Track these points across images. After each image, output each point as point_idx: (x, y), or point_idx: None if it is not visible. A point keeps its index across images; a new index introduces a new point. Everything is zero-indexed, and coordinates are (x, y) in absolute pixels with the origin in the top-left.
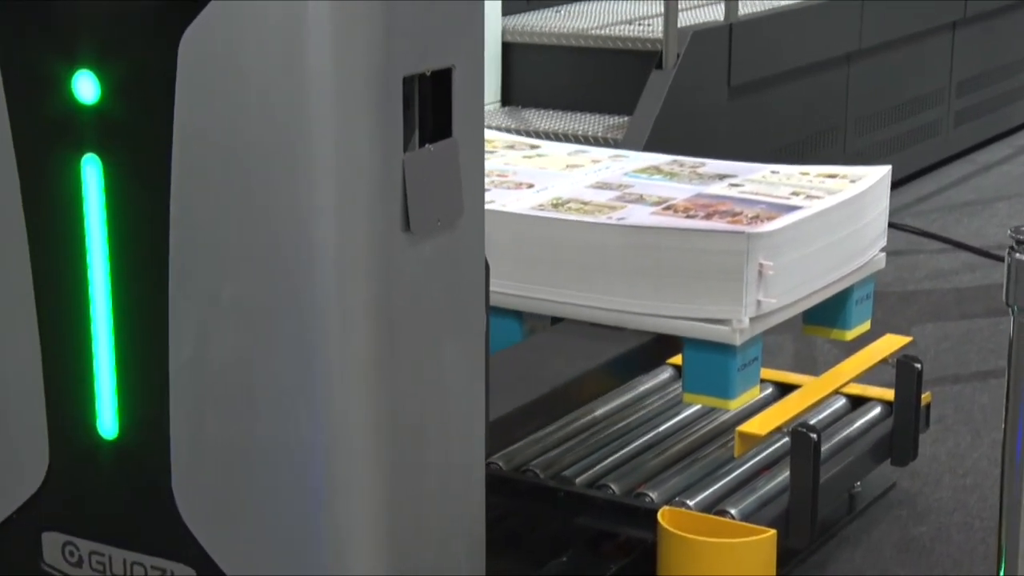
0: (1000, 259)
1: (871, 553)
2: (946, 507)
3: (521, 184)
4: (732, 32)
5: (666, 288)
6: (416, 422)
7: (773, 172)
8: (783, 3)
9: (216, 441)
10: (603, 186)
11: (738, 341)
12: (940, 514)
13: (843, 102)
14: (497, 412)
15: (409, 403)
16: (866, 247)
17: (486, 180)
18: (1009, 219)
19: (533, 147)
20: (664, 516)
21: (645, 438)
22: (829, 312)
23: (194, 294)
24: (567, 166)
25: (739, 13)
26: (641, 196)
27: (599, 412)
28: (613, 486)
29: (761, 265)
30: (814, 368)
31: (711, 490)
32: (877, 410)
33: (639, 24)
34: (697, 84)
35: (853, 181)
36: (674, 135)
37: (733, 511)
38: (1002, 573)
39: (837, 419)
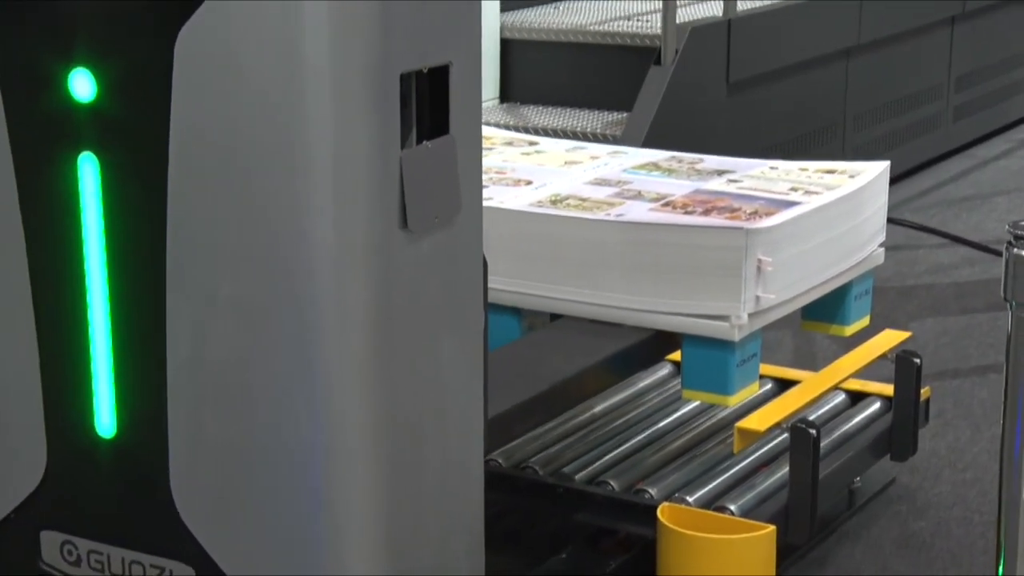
0: (999, 254)
1: (871, 549)
2: (946, 502)
3: (519, 181)
4: (731, 28)
5: (665, 284)
6: (414, 419)
7: (772, 168)
8: None
9: (214, 439)
10: (601, 182)
11: (737, 337)
12: (940, 509)
13: (842, 98)
14: (496, 409)
15: (407, 400)
16: (865, 242)
17: (484, 177)
18: (1008, 213)
19: (531, 144)
20: (664, 512)
21: (644, 434)
22: (828, 308)
23: (191, 292)
24: (565, 163)
25: (737, 9)
26: (639, 192)
27: (598, 408)
28: (612, 482)
29: (760, 261)
30: (813, 364)
31: (710, 486)
32: (876, 405)
33: (637, 20)
34: (696, 80)
35: (852, 177)
36: (673, 131)
37: (732, 507)
38: (1001, 568)
39: (836, 415)
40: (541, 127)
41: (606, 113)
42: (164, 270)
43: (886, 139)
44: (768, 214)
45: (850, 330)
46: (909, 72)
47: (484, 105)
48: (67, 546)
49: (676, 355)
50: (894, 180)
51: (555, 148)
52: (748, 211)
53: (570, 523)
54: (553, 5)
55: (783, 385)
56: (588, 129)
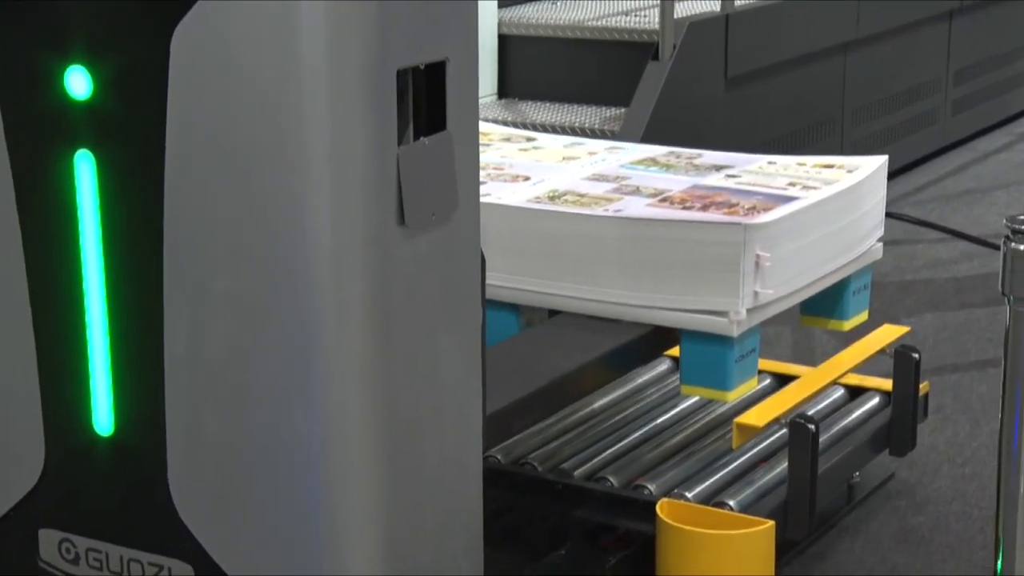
0: (998, 248)
1: (870, 543)
2: (945, 497)
3: (517, 177)
4: (728, 23)
5: (663, 280)
6: (412, 416)
7: (770, 163)
8: None
9: (212, 436)
10: (599, 178)
11: (735, 332)
12: (939, 504)
13: (840, 92)
14: (495, 405)
15: (405, 397)
16: (863, 237)
17: (482, 173)
18: (1008, 207)
19: (529, 140)
20: (663, 508)
21: (643, 430)
22: (827, 303)
23: (189, 289)
24: (563, 158)
25: (735, 4)
26: (638, 188)
27: (597, 404)
28: (611, 478)
29: (758, 256)
30: (812, 359)
31: (709, 482)
32: (875, 400)
33: (635, 15)
34: (694, 75)
35: (850, 171)
36: (671, 126)
37: (732, 503)
38: (1000, 562)
39: (835, 410)
40: (539, 123)
41: (604, 109)
42: (161, 267)
43: (885, 133)
44: (766, 209)
45: (849, 325)
46: (908, 66)
47: (482, 101)
48: (65, 544)
49: (675, 351)
50: (893, 174)
51: (553, 144)
52: (746, 206)
53: (569, 519)
54: (551, 0)
55: (782, 380)
56: (586, 125)
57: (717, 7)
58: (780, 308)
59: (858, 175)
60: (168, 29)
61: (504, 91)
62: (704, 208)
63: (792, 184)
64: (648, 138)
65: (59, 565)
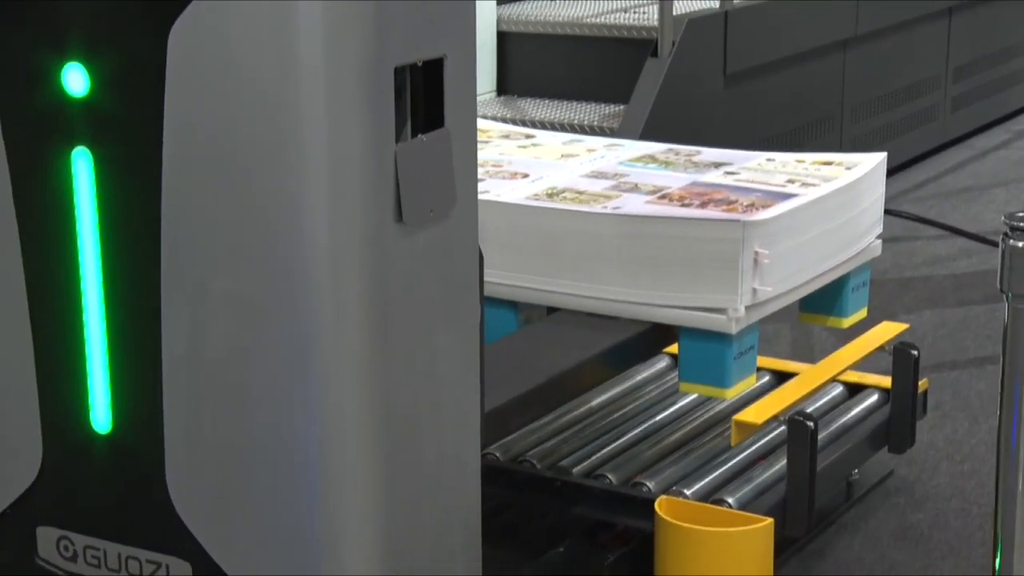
0: (997, 245)
1: (869, 540)
2: (944, 494)
3: (516, 174)
4: (727, 19)
5: (662, 277)
6: (410, 414)
7: (768, 160)
8: None
9: (210, 434)
10: (598, 175)
11: (734, 330)
12: (938, 501)
13: (839, 89)
14: (493, 403)
15: (403, 395)
16: (862, 234)
17: (481, 170)
18: (1007, 205)
19: (528, 137)
20: (661, 505)
21: (642, 427)
22: (825, 300)
23: (186, 287)
24: (562, 155)
25: (734, 0)
26: (636, 185)
27: (596, 402)
28: (610, 476)
29: (757, 253)
30: (811, 356)
31: (708, 479)
32: (874, 397)
33: (634, 12)
34: (693, 72)
35: (849, 168)
36: (670, 123)
37: (730, 500)
38: (999, 559)
39: (834, 407)
40: (538, 120)
41: (603, 105)
42: (159, 264)
43: (884, 130)
44: (765, 206)
45: (848, 322)
46: (907, 63)
47: (481, 98)
48: (63, 541)
49: (674, 348)
50: (892, 171)
51: (552, 141)
52: (745, 203)
53: (568, 517)
54: None
55: (781, 377)
56: (585, 122)
57: (716, 4)
58: (779, 305)
59: (857, 172)
60: (166, 26)
61: (503, 88)
62: (703, 205)
63: (791, 181)
64: (647, 135)
65: (57, 563)
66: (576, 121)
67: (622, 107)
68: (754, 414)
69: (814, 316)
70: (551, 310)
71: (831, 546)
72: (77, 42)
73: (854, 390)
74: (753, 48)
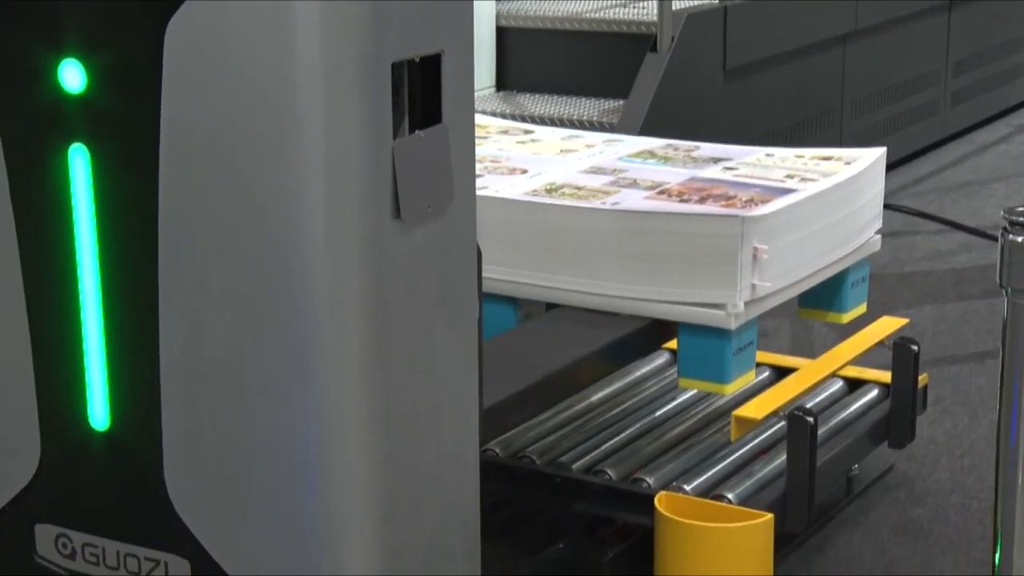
0: (997, 239)
1: (869, 536)
2: (944, 489)
3: (515, 170)
4: (727, 14)
5: (661, 273)
6: (409, 411)
7: (767, 155)
8: None
9: (208, 431)
10: (597, 171)
11: (733, 325)
12: (938, 496)
13: (839, 84)
14: (492, 399)
15: (402, 392)
16: (861, 229)
17: (479, 166)
18: (1006, 199)
19: (527, 132)
20: (661, 501)
21: (642, 423)
22: (825, 295)
23: (184, 284)
24: (561, 151)
25: None
26: (635, 180)
27: (595, 398)
28: (610, 472)
29: (756, 249)
30: (811, 351)
31: (708, 475)
32: (874, 392)
33: (633, 7)
34: (692, 67)
35: (848, 163)
36: (669, 118)
37: (730, 495)
38: (999, 554)
39: (834, 402)
40: (537, 115)
41: (602, 101)
42: (156, 261)
43: (884, 125)
44: (764, 202)
45: (847, 317)
46: (907, 58)
47: (480, 93)
48: (62, 539)
49: (673, 344)
50: (892, 166)
51: (551, 137)
52: (744, 199)
53: (567, 512)
54: None
55: (780, 373)
56: (584, 117)
57: None
58: (778, 301)
59: (856, 167)
60: (162, 22)
61: (502, 83)
62: (702, 201)
63: (790, 176)
64: (646, 130)
65: (56, 560)
66: (575, 116)
67: (621, 102)
68: (754, 409)
69: (813, 311)
70: (550, 306)
71: (831, 541)
72: (74, 38)
73: (854, 385)
74: (753, 43)
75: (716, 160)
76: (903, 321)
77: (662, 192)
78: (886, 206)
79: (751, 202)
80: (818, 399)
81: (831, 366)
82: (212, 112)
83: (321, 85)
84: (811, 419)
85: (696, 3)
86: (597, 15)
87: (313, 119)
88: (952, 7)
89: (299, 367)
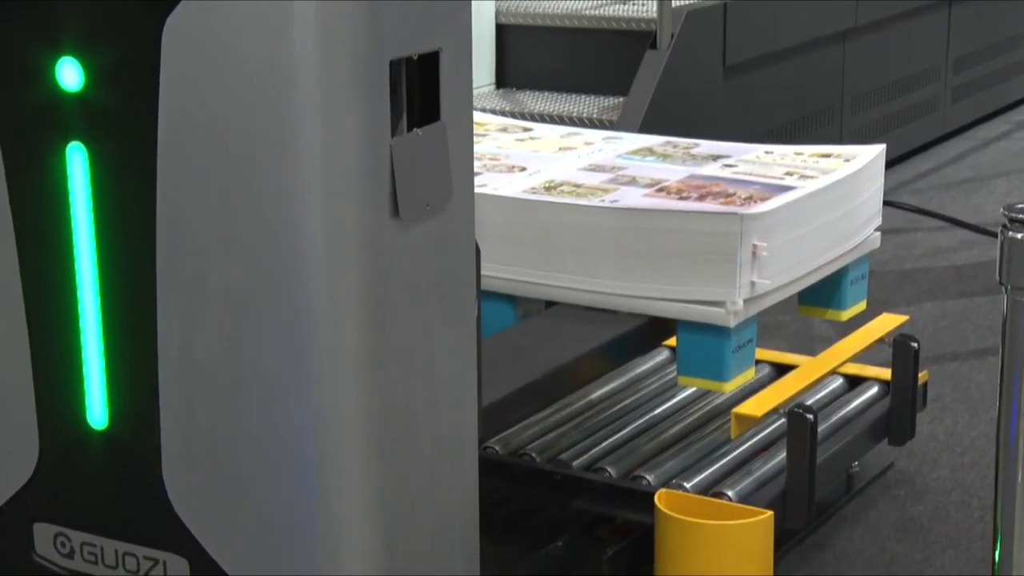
0: (997, 236)
1: (869, 533)
2: (944, 486)
3: (513, 167)
4: (727, 11)
5: (660, 270)
6: (407, 409)
7: (767, 152)
8: None
9: (206, 430)
10: (596, 168)
11: (732, 323)
12: (938, 493)
13: (839, 80)
14: (491, 397)
15: (400, 390)
16: (861, 226)
17: (478, 164)
18: (1007, 196)
19: (526, 130)
20: (661, 499)
21: (641, 421)
22: (824, 292)
23: (182, 282)
24: (560, 149)
25: None
26: (634, 178)
27: (595, 395)
28: (610, 469)
29: (755, 246)
30: (811, 348)
31: (708, 472)
32: (874, 390)
33: (633, 4)
34: (692, 64)
35: (847, 160)
36: (669, 115)
37: (730, 493)
38: (998, 551)
39: (834, 399)
40: (537, 113)
41: (602, 98)
42: (154, 260)
43: (884, 121)
44: (763, 199)
45: (847, 315)
46: (907, 54)
47: (480, 91)
48: (60, 538)
49: (673, 341)
50: (892, 163)
51: (549, 134)
52: (743, 196)
53: (567, 510)
54: None
55: (780, 370)
56: (584, 114)
57: None
58: (777, 298)
59: (855, 164)
60: (160, 20)
61: (502, 81)
62: (701, 198)
63: (789, 174)
64: (646, 127)
65: (54, 559)
66: (575, 114)
67: (621, 99)
68: (754, 407)
69: (813, 309)
70: (549, 304)
71: (831, 539)
72: (71, 36)
73: (854, 382)
74: (753, 40)
75: (715, 157)
76: (903, 318)
77: (661, 190)
78: (886, 203)
79: (750, 199)
80: (818, 396)
81: (831, 363)
82: (210, 110)
83: (319, 83)
84: (811, 416)
85: (696, 0)
86: (597, 12)
87: (311, 117)
88: (952, 3)
89: (297, 366)
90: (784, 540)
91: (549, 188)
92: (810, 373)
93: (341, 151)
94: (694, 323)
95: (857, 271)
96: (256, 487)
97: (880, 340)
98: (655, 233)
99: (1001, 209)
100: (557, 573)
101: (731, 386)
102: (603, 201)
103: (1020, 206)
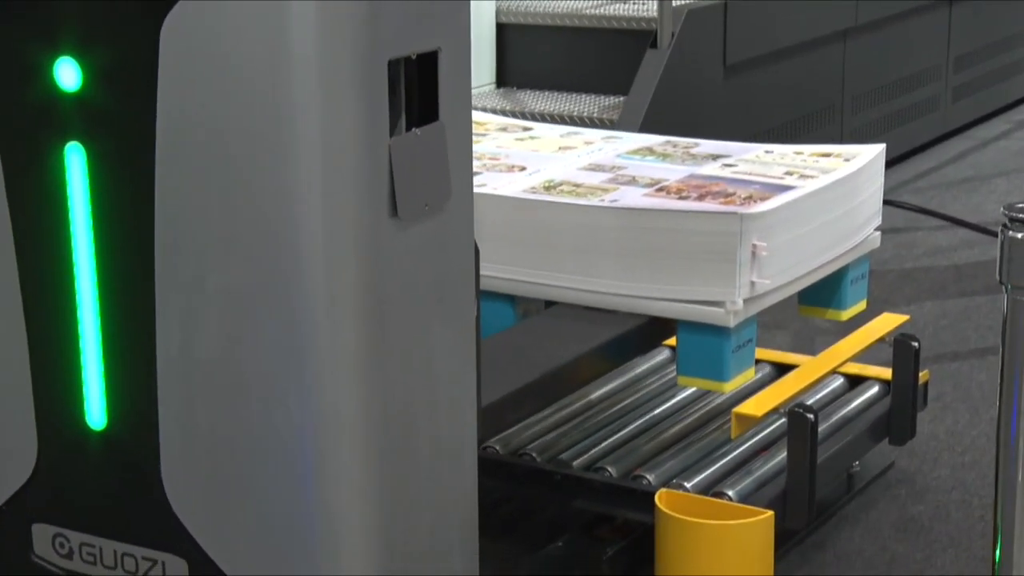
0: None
1: (870, 532)
2: (945, 485)
3: (513, 167)
4: (727, 10)
5: (659, 270)
6: (406, 409)
7: (767, 152)
8: None
9: (205, 430)
10: (596, 168)
11: (732, 323)
12: (939, 492)
13: (840, 79)
14: (491, 397)
15: (399, 390)
16: (861, 226)
17: (478, 163)
18: (1007, 195)
19: (525, 129)
20: (661, 498)
21: (642, 420)
22: (824, 292)
23: (181, 282)
24: (559, 148)
25: None
26: (634, 178)
27: (596, 395)
28: (610, 469)
29: (754, 246)
30: (811, 347)
31: (708, 472)
32: (875, 389)
33: (634, 3)
34: (692, 63)
35: (847, 160)
36: (670, 115)
37: (730, 493)
38: (998, 550)
39: (834, 399)
40: (537, 112)
41: (603, 97)
42: (153, 260)
43: (884, 121)
44: (763, 199)
45: (846, 315)
46: (907, 53)
47: (480, 90)
48: (59, 539)
49: (674, 341)
50: (893, 162)
51: (549, 134)
52: (743, 196)
53: (568, 510)
54: None
55: (781, 369)
56: (585, 113)
57: None
58: (777, 298)
59: (855, 164)
60: (158, 20)
61: (502, 80)
62: (700, 198)
63: (789, 173)
64: (647, 126)
65: (53, 560)
66: (575, 113)
67: (622, 99)
68: (754, 406)
69: (813, 309)
70: (549, 304)
71: (832, 538)
72: (69, 36)
73: (854, 382)
74: (753, 39)
75: (715, 157)
76: (904, 317)
77: (661, 189)
78: (887, 202)
79: (750, 199)
80: (818, 396)
81: (831, 363)
82: (208, 110)
83: (317, 83)
84: (811, 416)
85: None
86: (597, 11)
87: (309, 117)
88: (953, 2)
89: (296, 366)
90: (784, 540)
91: (549, 188)
92: (810, 373)
93: (340, 151)
94: (694, 323)
95: (857, 271)
96: (255, 487)
97: (881, 339)
98: (655, 233)
99: (1001, 208)
100: (557, 573)
101: (731, 386)
102: (603, 201)
103: (1020, 205)
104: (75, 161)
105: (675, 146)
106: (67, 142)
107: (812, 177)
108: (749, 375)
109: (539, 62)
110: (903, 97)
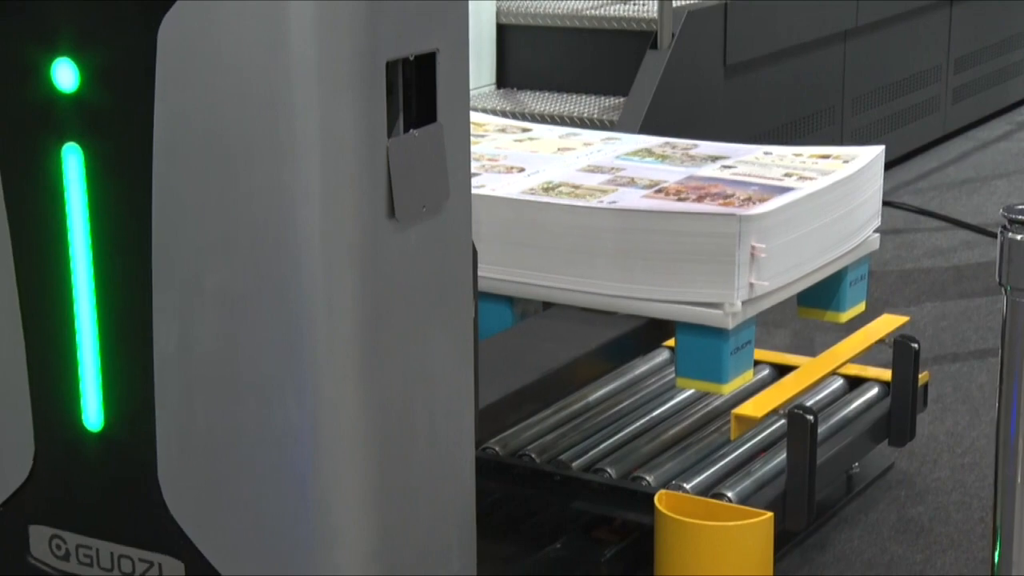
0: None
1: (869, 534)
2: (944, 487)
3: (512, 168)
4: (727, 11)
5: (658, 272)
6: (404, 410)
7: (766, 153)
8: None
9: (202, 431)
10: (594, 169)
11: (731, 325)
12: (938, 494)
13: (840, 80)
14: (489, 398)
15: (396, 391)
16: (860, 228)
17: (476, 164)
18: (1007, 196)
19: (524, 130)
20: (661, 500)
21: (641, 422)
22: (823, 294)
23: (178, 283)
24: (558, 149)
25: None
26: (632, 179)
27: (595, 396)
28: (610, 470)
29: (753, 248)
30: (811, 349)
31: (708, 473)
32: (875, 390)
33: (634, 4)
34: (692, 64)
35: (846, 162)
36: (670, 115)
37: (730, 494)
38: (997, 551)
39: (834, 400)
40: (538, 112)
41: (603, 98)
42: (150, 261)
43: (885, 122)
44: (762, 200)
45: (846, 316)
46: (907, 54)
47: (480, 91)
48: (55, 540)
49: (673, 342)
50: (893, 163)
51: (548, 135)
52: (742, 197)
53: (567, 511)
54: None
55: (780, 371)
56: (585, 114)
57: None
58: (776, 300)
59: (854, 165)
60: (155, 21)
61: (502, 81)
62: (699, 199)
63: (788, 175)
64: (647, 127)
65: (50, 562)
66: (576, 114)
67: (622, 99)
68: (754, 408)
69: (812, 310)
70: (547, 305)
71: (831, 539)
72: (67, 37)
73: (854, 383)
74: (753, 40)
75: (714, 158)
76: (903, 319)
77: (659, 191)
78: (887, 203)
79: (748, 201)
80: (818, 397)
81: (831, 364)
82: (206, 111)
83: (315, 84)
84: (811, 417)
85: (696, 0)
86: (597, 12)
87: (307, 118)
88: (953, 3)
89: (293, 367)
90: (784, 541)
91: (547, 189)
92: (810, 374)
93: (337, 152)
94: (692, 325)
95: (856, 272)
96: (252, 489)
97: (880, 341)
98: (653, 234)
99: (1001, 210)
100: (557, 573)
101: (729, 388)
102: (601, 202)
103: (1020, 207)
104: (72, 162)
105: (674, 147)
106: (64, 143)
107: (811, 179)
108: (748, 377)
109: (539, 63)
110: (903, 98)
